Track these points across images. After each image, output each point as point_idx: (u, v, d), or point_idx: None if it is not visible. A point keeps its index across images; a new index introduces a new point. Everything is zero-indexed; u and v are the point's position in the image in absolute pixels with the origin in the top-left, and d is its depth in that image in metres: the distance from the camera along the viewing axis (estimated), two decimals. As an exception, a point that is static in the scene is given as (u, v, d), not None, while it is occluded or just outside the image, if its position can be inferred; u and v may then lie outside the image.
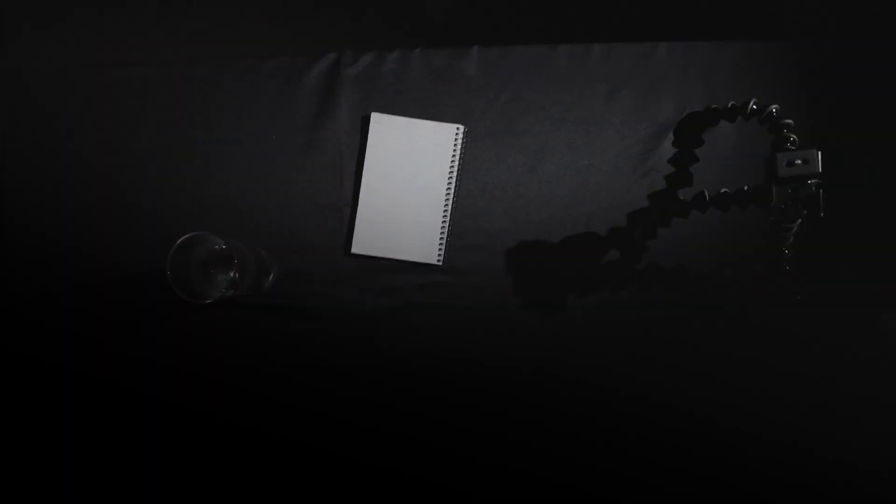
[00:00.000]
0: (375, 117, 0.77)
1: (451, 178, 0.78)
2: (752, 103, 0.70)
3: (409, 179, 0.78)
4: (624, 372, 0.77)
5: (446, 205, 0.78)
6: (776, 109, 0.66)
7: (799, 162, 0.55)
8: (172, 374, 0.72)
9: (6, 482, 0.70)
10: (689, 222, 0.72)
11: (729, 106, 0.74)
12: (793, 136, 0.62)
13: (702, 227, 0.78)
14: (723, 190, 0.63)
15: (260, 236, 0.75)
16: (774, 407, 0.78)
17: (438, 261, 0.77)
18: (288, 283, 0.75)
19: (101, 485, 0.71)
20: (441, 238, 0.77)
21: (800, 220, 0.58)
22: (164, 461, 0.72)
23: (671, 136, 0.81)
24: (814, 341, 0.78)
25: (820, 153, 0.55)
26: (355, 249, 0.76)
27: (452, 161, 0.78)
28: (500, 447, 0.75)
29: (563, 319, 0.78)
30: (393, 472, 0.74)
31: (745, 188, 0.60)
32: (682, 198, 0.67)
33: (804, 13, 1.01)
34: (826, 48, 0.83)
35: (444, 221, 0.77)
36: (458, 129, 0.78)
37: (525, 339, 0.77)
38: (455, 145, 0.78)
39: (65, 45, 1.27)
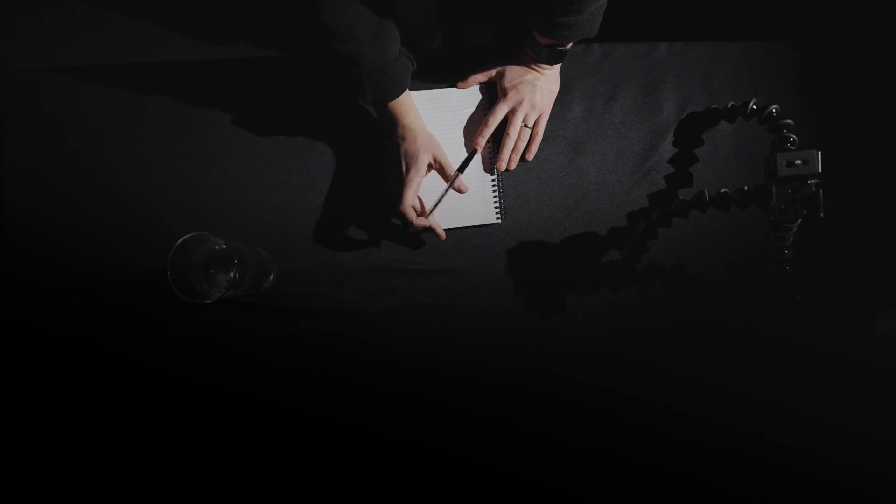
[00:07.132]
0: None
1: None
2: (752, 103, 0.70)
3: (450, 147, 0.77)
4: (624, 372, 0.78)
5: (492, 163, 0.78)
6: (776, 109, 0.66)
7: (799, 162, 0.55)
8: (172, 374, 0.72)
9: (6, 482, 0.70)
10: (689, 222, 0.72)
11: (729, 106, 0.74)
12: (793, 136, 0.62)
13: (702, 227, 0.78)
14: (723, 190, 0.63)
15: (260, 236, 0.75)
16: (774, 407, 0.78)
17: (498, 219, 0.77)
18: (288, 283, 0.75)
19: (102, 485, 0.71)
20: (496, 197, 0.77)
21: (800, 220, 0.58)
22: (164, 461, 0.72)
23: (671, 136, 0.81)
24: (814, 341, 0.78)
25: (820, 153, 0.55)
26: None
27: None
28: (500, 447, 0.75)
29: (563, 319, 0.78)
30: (393, 472, 0.74)
31: (745, 188, 0.60)
32: (682, 198, 0.67)
33: (804, 13, 1.01)
34: (826, 48, 0.83)
35: (493, 180, 0.78)
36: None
37: (525, 339, 0.77)
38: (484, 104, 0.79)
39: (65, 45, 1.28)
